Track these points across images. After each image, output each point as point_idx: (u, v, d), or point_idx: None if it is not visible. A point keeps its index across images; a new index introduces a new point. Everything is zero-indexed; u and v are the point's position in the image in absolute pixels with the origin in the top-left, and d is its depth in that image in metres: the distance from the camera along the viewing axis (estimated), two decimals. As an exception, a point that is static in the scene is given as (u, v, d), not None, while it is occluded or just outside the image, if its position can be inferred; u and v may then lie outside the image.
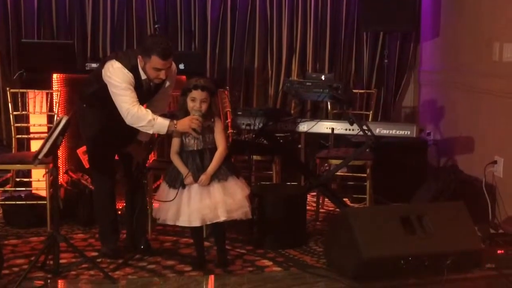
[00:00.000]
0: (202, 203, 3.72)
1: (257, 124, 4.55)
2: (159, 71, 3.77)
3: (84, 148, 4.82)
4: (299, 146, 5.77)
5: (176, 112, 3.95)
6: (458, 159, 5.53)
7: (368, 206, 4.98)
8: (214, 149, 3.80)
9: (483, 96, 5.14)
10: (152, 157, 4.73)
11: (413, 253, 3.64)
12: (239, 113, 4.77)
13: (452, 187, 4.82)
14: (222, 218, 3.73)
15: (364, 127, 4.38)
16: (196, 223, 3.76)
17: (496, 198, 4.84)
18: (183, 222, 3.77)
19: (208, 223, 3.82)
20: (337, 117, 5.46)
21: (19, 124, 5.09)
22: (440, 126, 5.91)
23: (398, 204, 4.55)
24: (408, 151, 5.46)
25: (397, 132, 4.53)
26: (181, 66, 5.09)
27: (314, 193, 5.22)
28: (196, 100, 3.74)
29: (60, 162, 4.96)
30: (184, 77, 4.81)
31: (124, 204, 4.34)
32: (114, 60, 3.81)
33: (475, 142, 5.27)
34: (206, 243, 4.13)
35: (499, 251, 3.88)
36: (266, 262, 4.07)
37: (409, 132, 4.52)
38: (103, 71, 3.82)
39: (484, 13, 5.18)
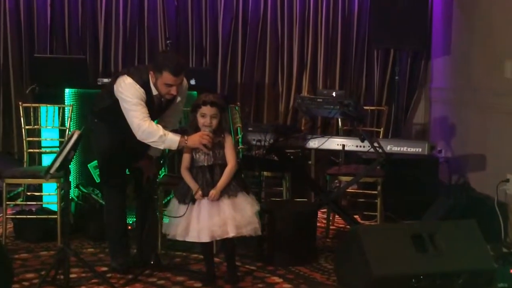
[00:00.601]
0: (212, 220, 3.72)
1: (267, 140, 4.54)
2: (170, 87, 3.78)
3: (95, 162, 4.85)
4: (309, 162, 5.76)
5: (186, 127, 3.96)
6: (470, 176, 5.50)
7: (379, 223, 4.95)
8: (224, 164, 3.80)
9: (495, 113, 5.12)
10: (162, 172, 4.74)
11: (425, 272, 3.60)
12: (250, 129, 4.77)
13: (463, 205, 4.79)
14: (231, 234, 3.72)
15: (375, 144, 4.36)
16: (205, 239, 3.76)
17: (509, 216, 4.80)
18: (192, 237, 3.77)
19: (218, 239, 3.82)
20: (347, 134, 5.45)
21: (31, 138, 5.12)
22: (451, 143, 5.89)
23: (409, 222, 4.53)
24: (419, 168, 5.44)
25: (409, 149, 4.51)
26: (192, 82, 5.11)
27: (325, 210, 5.19)
28: (206, 116, 3.75)
29: (71, 177, 4.97)
30: (195, 92, 4.82)
31: (135, 219, 4.34)
32: (126, 75, 3.83)
33: (487, 160, 5.24)
34: (216, 259, 4.12)
35: (511, 270, 3.84)
36: (276, 279, 4.05)
37: (420, 150, 4.50)
38: (114, 86, 3.84)
39: (496, 30, 5.18)
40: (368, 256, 3.57)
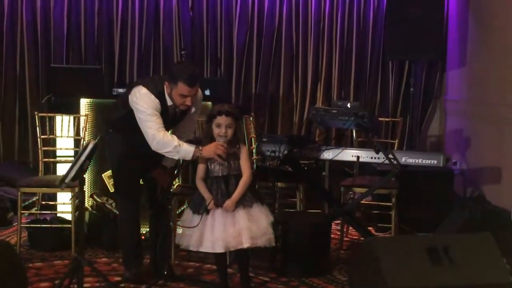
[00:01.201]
0: (226, 230, 3.71)
1: (281, 150, 4.54)
2: (185, 98, 3.79)
3: (109, 172, 4.87)
4: (324, 173, 5.75)
5: (201, 138, 3.96)
6: (485, 189, 5.46)
7: (393, 235, 4.92)
8: (239, 175, 3.79)
9: (510, 126, 5.08)
10: (176, 182, 4.74)
11: (440, 285, 3.56)
12: (264, 139, 4.78)
13: (479, 218, 4.75)
14: (246, 245, 3.71)
15: (390, 156, 4.35)
16: (220, 250, 3.74)
17: (525, 229, 4.76)
18: (206, 248, 3.76)
19: (232, 250, 3.81)
20: (362, 145, 5.44)
21: (46, 148, 5.15)
22: (466, 156, 5.85)
23: (424, 234, 4.49)
24: (433, 180, 5.40)
25: (424, 161, 4.50)
26: (207, 92, 5.13)
27: (338, 221, 5.17)
28: (221, 126, 3.75)
29: (86, 186, 4.99)
30: (209, 103, 4.83)
31: (148, 229, 4.34)
32: (141, 86, 3.84)
33: (502, 173, 5.20)
34: (229, 270, 4.10)
35: (527, 284, 3.80)
36: (290, 291, 4.04)
37: (436, 161, 4.48)
38: (129, 96, 3.86)
39: (512, 43, 5.16)
40: (383, 268, 3.54)
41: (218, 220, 3.73)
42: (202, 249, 3.77)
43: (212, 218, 3.75)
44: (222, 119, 3.74)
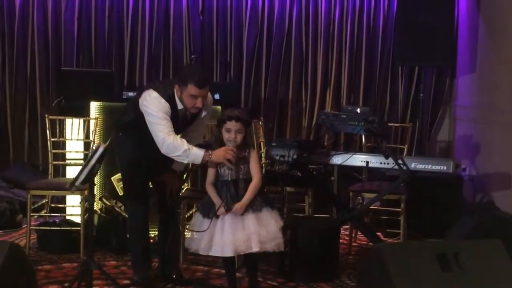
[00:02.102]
0: (235, 234, 3.71)
1: (290, 155, 4.54)
2: (195, 99, 3.78)
3: (118, 175, 4.88)
4: (332, 178, 5.74)
5: (211, 142, 3.96)
6: (495, 195, 5.44)
7: (402, 241, 4.90)
8: (248, 179, 3.80)
9: (521, 133, 5.07)
10: (185, 186, 4.75)
11: (449, 291, 3.55)
12: (273, 144, 4.77)
13: (488, 224, 4.73)
14: (255, 249, 3.70)
15: (399, 161, 4.34)
16: (229, 254, 3.74)
17: (534, 236, 4.73)
18: (215, 252, 3.76)
19: (241, 254, 3.80)
20: (371, 151, 5.43)
21: (56, 151, 5.16)
22: (476, 162, 5.83)
23: (433, 240, 4.48)
24: (443, 186, 5.39)
25: (433, 167, 4.47)
26: (217, 96, 5.13)
27: (347, 226, 5.17)
28: (231, 131, 3.75)
29: (95, 189, 5.00)
30: (219, 107, 4.84)
31: (157, 233, 4.34)
32: (151, 89, 3.85)
33: (512, 179, 5.18)
34: (238, 274, 4.10)
35: (537, 292, 3.77)
36: (298, 296, 4.03)
37: (445, 168, 4.46)
38: (140, 100, 3.86)
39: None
40: (392, 274, 3.53)
41: (227, 224, 3.73)
42: (212, 253, 3.77)
43: (221, 222, 3.75)
44: (232, 124, 3.75)
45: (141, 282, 4.07)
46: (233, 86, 5.91)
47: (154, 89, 3.84)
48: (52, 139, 5.12)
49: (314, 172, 5.27)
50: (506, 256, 3.77)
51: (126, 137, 4.05)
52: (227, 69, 6.19)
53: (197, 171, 4.70)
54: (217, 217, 3.75)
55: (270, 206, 3.82)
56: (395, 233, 5.11)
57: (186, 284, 4.11)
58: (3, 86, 6.06)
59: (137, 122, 3.89)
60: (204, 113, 4.01)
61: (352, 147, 6.15)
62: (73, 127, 5.12)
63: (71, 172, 5.15)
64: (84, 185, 3.70)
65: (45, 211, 5.16)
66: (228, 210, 3.74)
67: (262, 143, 5.39)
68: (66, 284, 3.87)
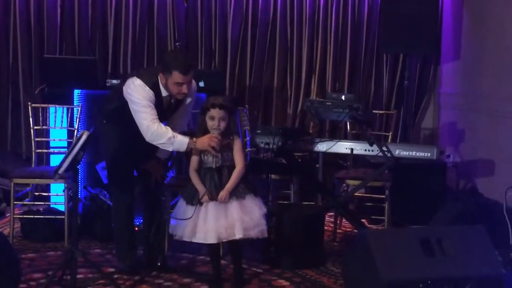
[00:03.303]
0: (218, 221, 3.72)
1: (275, 143, 4.54)
2: (181, 86, 3.78)
3: (103, 163, 4.85)
4: (317, 165, 5.75)
5: (195, 130, 3.95)
6: (478, 182, 5.48)
7: (386, 227, 4.93)
8: (232, 166, 3.80)
9: (505, 120, 5.10)
10: (170, 174, 4.74)
11: (433, 277, 3.58)
12: (258, 131, 4.77)
13: (471, 211, 4.76)
14: (238, 236, 3.71)
15: (384, 148, 4.35)
16: (212, 240, 3.75)
17: (517, 222, 4.78)
18: (199, 239, 3.77)
19: (225, 240, 3.81)
20: (356, 138, 5.44)
21: (39, 139, 5.13)
22: (460, 149, 5.87)
23: (417, 227, 4.50)
24: (427, 173, 5.42)
25: (417, 154, 4.50)
26: (201, 84, 5.11)
27: (332, 213, 5.18)
28: (214, 118, 3.75)
29: (79, 177, 4.98)
30: (204, 94, 4.82)
31: (142, 221, 4.34)
32: (135, 77, 3.83)
33: (496, 165, 5.22)
34: (222, 262, 4.11)
35: (519, 276, 3.82)
36: (283, 282, 4.05)
37: (429, 154, 4.48)
38: (124, 88, 3.84)
39: (507, 36, 5.16)
40: (376, 260, 3.55)
41: (210, 211, 3.74)
42: (195, 240, 3.78)
43: (205, 209, 3.75)
44: (215, 112, 3.74)
45: (126, 270, 4.07)
46: (217, 73, 5.89)
47: (138, 77, 3.83)
48: (35, 127, 5.08)
49: (299, 160, 5.28)
50: (488, 242, 3.80)
51: (110, 125, 4.03)
52: (212, 56, 6.16)
53: (182, 159, 4.68)
54: (201, 204, 3.76)
55: (254, 193, 3.83)
56: (380, 219, 5.14)
57: (171, 272, 4.12)
58: (-15, 74, 6.00)
59: (121, 110, 3.87)
60: (188, 100, 4.00)
61: (337, 134, 6.16)
62: (56, 115, 5.09)
63: (55, 160, 5.12)
64: (67, 173, 3.67)
65: (29, 199, 5.14)
66: (212, 198, 3.74)
67: (247, 130, 5.38)
68: (50, 273, 3.86)
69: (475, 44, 5.71)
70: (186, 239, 3.80)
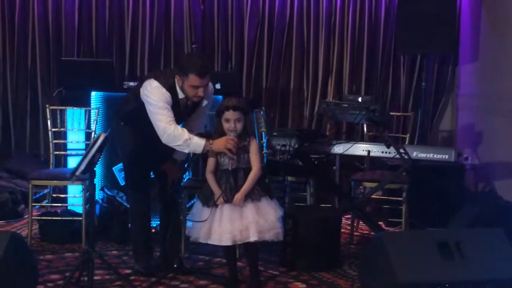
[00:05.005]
0: (233, 224, 3.72)
1: (292, 145, 4.53)
2: (197, 89, 3.79)
3: (120, 165, 4.87)
4: (334, 168, 5.73)
5: (211, 131, 3.96)
6: (497, 184, 5.42)
7: (403, 230, 4.90)
8: (248, 169, 3.79)
9: (522, 121, 5.05)
10: (186, 176, 4.75)
11: (451, 280, 3.55)
12: (275, 133, 4.76)
13: (490, 213, 4.72)
14: (253, 238, 3.71)
15: (401, 150, 4.32)
16: (227, 242, 3.75)
17: (536, 225, 4.72)
18: (214, 240, 3.78)
19: (239, 243, 3.81)
20: (373, 140, 5.41)
21: (57, 141, 5.16)
22: (478, 151, 5.81)
23: (435, 229, 4.47)
24: (445, 175, 5.37)
25: (435, 156, 4.46)
26: (218, 86, 5.11)
27: (349, 216, 5.16)
28: (230, 120, 3.75)
29: (96, 179, 5.00)
30: (220, 96, 4.83)
31: (158, 222, 4.35)
32: (152, 79, 3.85)
33: (515, 168, 5.17)
34: (239, 264, 4.11)
35: (539, 280, 3.77)
36: (299, 285, 4.03)
37: (447, 156, 4.45)
38: (141, 90, 3.86)
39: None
40: (393, 263, 3.53)
41: (226, 214, 3.74)
42: (210, 242, 3.79)
43: (220, 211, 3.76)
44: (230, 114, 3.74)
45: (142, 271, 4.08)
46: (234, 75, 5.88)
47: (155, 79, 3.84)
48: (53, 129, 5.11)
49: (316, 162, 5.26)
50: (507, 245, 3.77)
51: (127, 126, 4.05)
52: (228, 58, 6.16)
53: (198, 160, 4.69)
54: (216, 206, 3.76)
55: (269, 195, 3.82)
56: (397, 222, 5.10)
57: (188, 273, 4.12)
58: (4, 77, 6.05)
59: (138, 111, 3.89)
60: (205, 102, 4.00)
61: (354, 136, 6.12)
62: (74, 117, 5.12)
63: (73, 162, 5.15)
64: (84, 175, 3.69)
65: (47, 201, 5.17)
66: (227, 201, 3.74)
67: (263, 132, 5.38)
68: (67, 274, 3.88)
69: (494, 45, 5.65)
70: (201, 240, 3.81)
